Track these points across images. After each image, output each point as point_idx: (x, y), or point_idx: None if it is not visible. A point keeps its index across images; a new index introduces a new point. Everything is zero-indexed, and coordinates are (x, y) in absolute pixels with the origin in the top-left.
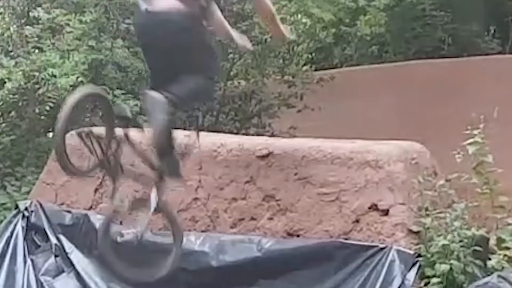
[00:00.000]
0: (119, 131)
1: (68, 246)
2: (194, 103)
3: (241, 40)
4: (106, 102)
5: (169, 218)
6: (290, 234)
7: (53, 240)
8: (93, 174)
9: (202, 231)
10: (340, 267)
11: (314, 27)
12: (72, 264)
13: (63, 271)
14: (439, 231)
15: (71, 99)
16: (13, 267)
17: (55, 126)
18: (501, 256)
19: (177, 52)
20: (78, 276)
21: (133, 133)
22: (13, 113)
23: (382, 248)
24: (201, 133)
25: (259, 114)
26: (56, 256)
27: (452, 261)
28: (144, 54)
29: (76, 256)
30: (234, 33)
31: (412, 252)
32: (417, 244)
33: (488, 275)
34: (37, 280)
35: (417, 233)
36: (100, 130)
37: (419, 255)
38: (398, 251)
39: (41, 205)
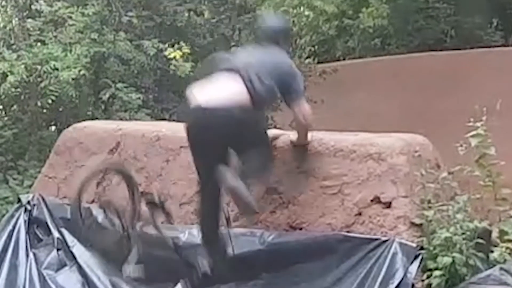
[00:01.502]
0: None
1: (70, 239)
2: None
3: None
4: (133, 183)
5: None
6: (292, 227)
7: (55, 233)
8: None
9: None
10: (342, 260)
11: (317, 20)
12: (74, 258)
13: (65, 265)
14: (442, 223)
15: (94, 168)
16: (15, 261)
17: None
18: (504, 249)
19: (235, 144)
20: (80, 269)
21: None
22: (15, 106)
23: (384, 241)
24: None
25: None
26: (58, 250)
27: (454, 254)
28: (196, 151)
29: (78, 249)
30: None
31: (414, 245)
32: (420, 236)
33: (491, 267)
34: (40, 274)
35: (419, 225)
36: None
37: (422, 248)
38: (400, 243)
39: (43, 199)
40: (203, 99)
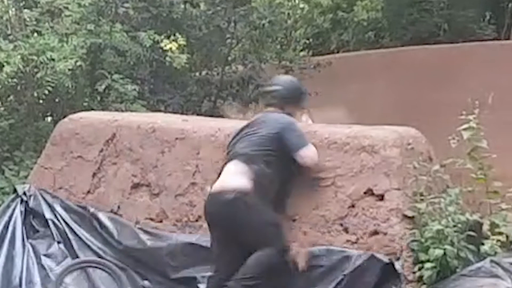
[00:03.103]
0: None
1: (68, 231)
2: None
3: None
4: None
5: None
6: None
7: (52, 225)
8: None
9: (199, 216)
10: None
11: (311, 12)
12: (73, 249)
13: (66, 257)
14: (434, 216)
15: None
16: (12, 251)
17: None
18: (495, 241)
19: (238, 231)
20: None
21: None
22: (11, 97)
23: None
24: (199, 118)
25: (256, 99)
26: (58, 242)
27: (446, 246)
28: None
29: (77, 242)
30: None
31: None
32: (412, 229)
33: (481, 260)
34: (37, 264)
35: (411, 218)
36: None
37: (414, 240)
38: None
39: (39, 190)
40: (214, 187)
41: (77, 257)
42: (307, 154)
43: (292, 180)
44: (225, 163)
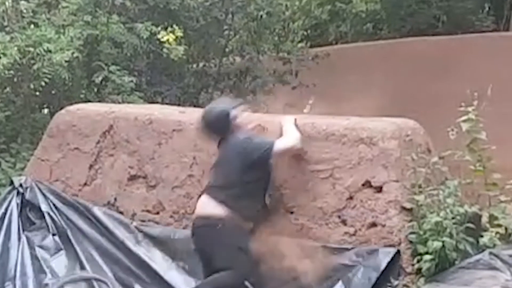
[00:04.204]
0: None
1: (64, 224)
2: None
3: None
4: None
5: None
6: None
7: (48, 218)
8: None
9: None
10: None
11: (309, 4)
12: (70, 242)
13: (61, 249)
14: (432, 208)
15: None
16: (7, 243)
17: None
18: (493, 233)
19: (210, 255)
20: (76, 255)
21: None
22: (8, 88)
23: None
24: (196, 109)
25: (254, 91)
26: (53, 235)
27: (444, 238)
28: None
29: (74, 234)
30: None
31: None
32: (410, 221)
33: (480, 252)
34: (31, 256)
35: (410, 210)
36: None
37: (412, 232)
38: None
39: (36, 182)
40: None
41: (74, 250)
42: (279, 146)
43: (270, 185)
44: (203, 191)
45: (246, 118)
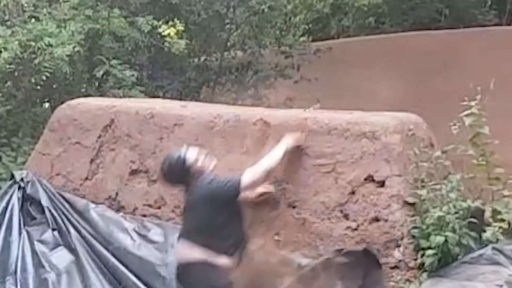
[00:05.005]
0: None
1: (64, 219)
2: None
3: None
4: None
5: None
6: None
7: (48, 212)
8: None
9: None
10: None
11: None
12: (69, 238)
13: (60, 245)
14: (435, 202)
15: None
16: (8, 238)
17: None
18: (496, 228)
19: None
20: (75, 250)
21: None
22: (9, 83)
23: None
24: (198, 104)
25: (255, 85)
26: (53, 230)
27: (447, 233)
28: None
29: (73, 230)
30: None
31: None
32: (413, 215)
33: (483, 247)
34: (31, 250)
35: (412, 204)
36: None
37: (415, 227)
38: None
39: (37, 176)
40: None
41: (73, 244)
42: (245, 180)
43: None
44: (179, 235)
45: (206, 159)
